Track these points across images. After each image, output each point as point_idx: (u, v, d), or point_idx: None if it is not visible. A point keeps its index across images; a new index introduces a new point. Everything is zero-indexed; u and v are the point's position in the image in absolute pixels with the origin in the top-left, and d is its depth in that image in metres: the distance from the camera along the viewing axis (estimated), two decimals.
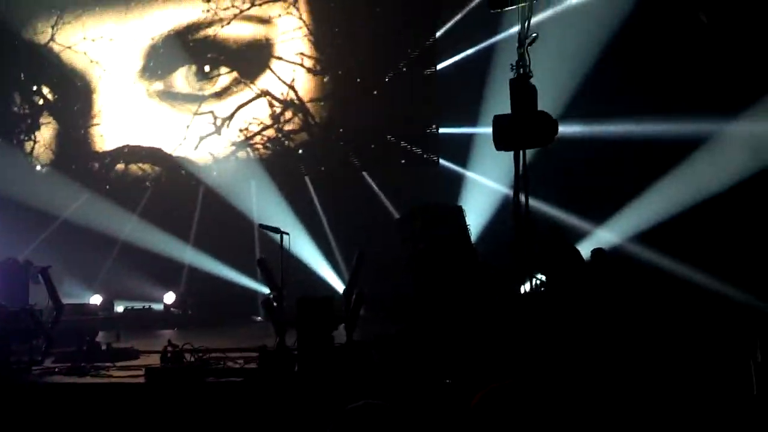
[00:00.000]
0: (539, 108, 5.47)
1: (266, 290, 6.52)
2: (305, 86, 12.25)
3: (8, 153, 12.48)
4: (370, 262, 6.46)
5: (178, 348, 5.74)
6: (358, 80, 11.86)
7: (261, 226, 7.10)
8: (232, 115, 12.38)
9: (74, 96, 12.77)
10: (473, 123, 10.03)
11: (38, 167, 12.81)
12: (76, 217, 11.54)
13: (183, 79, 12.44)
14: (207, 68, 12.42)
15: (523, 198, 5.34)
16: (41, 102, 13.10)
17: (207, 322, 9.89)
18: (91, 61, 12.66)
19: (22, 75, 13.07)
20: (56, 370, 6.36)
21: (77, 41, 12.62)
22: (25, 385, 6.04)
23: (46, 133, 12.99)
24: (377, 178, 11.43)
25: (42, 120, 13.00)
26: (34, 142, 12.95)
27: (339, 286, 9.81)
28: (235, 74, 12.34)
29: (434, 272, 6.49)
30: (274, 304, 6.09)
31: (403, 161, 11.45)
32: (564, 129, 6.17)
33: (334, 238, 10.93)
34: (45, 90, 13.07)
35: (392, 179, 11.16)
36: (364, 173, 11.64)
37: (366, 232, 9.63)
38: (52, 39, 12.69)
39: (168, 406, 5.29)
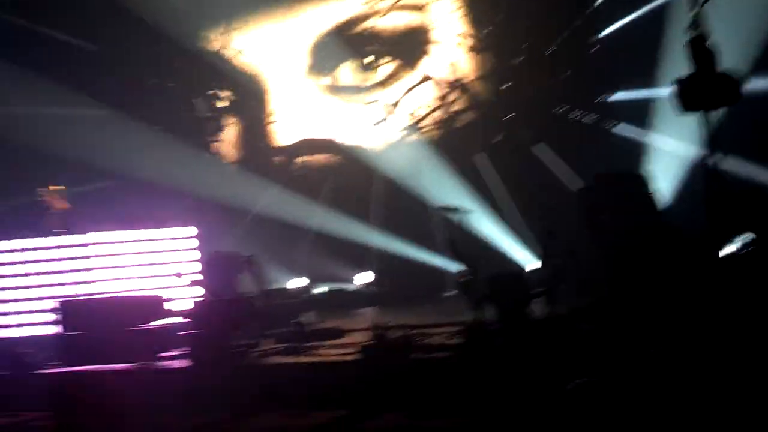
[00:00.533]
0: (722, 66, 5.35)
1: (458, 268, 6.72)
2: (468, 65, 12.43)
3: (198, 155, 13.56)
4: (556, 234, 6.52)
5: (384, 326, 6.10)
6: (523, 53, 11.84)
7: (441, 207, 7.32)
8: (399, 101, 12.78)
9: (251, 97, 13.66)
10: (647, 86, 9.76)
11: (225, 166, 13.84)
12: (266, 210, 12.39)
13: (348, 71, 12.98)
14: (370, 59, 12.89)
15: (714, 158, 5.24)
16: (221, 105, 14.11)
17: (401, 301, 10.28)
18: (262, 63, 13.49)
19: (200, 83, 14.06)
20: (272, 351, 6.97)
21: (247, 45, 13.46)
22: (246, 366, 6.66)
23: (229, 133, 14.00)
24: (552, 149, 11.38)
25: (224, 122, 14.02)
26: (220, 142, 13.99)
27: (525, 261, 9.92)
28: (397, 62, 12.73)
29: (622, 242, 6.45)
30: (468, 280, 6.31)
31: (577, 130, 11.35)
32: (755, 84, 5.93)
33: (517, 214, 11.02)
34: (224, 93, 14.05)
35: (568, 149, 11.09)
36: (539, 146, 11.62)
37: (547, 205, 9.66)
38: (223, 46, 13.61)
39: (378, 382, 5.65)
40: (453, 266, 8.27)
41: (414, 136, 12.73)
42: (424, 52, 12.69)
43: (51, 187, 9.27)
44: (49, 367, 7.15)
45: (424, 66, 12.66)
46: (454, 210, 6.83)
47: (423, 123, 12.73)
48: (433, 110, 12.69)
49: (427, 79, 12.67)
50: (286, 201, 12.35)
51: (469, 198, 10.70)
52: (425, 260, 11.25)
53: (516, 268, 7.40)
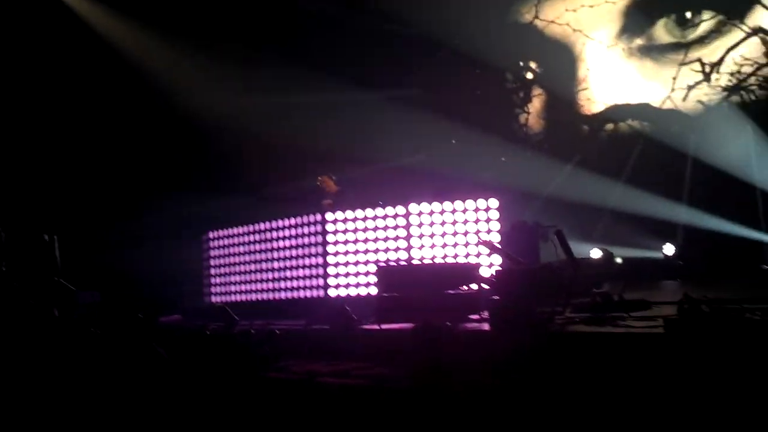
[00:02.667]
0: None
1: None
2: None
3: (505, 127, 13.85)
4: None
5: (694, 299, 5.76)
6: None
7: None
8: (722, 59, 11.78)
9: (560, 66, 13.56)
10: None
11: (531, 137, 13.95)
12: (569, 179, 12.28)
13: (664, 29, 12.26)
14: (688, 15, 12.03)
15: None
16: (530, 76, 14.21)
17: (711, 274, 9.62)
18: (574, 30, 13.29)
19: (510, 55, 14.25)
20: (576, 320, 6.96)
21: (559, 14, 13.35)
22: (550, 333, 6.74)
23: (537, 104, 14.07)
24: None
25: (533, 92, 14.10)
26: (527, 114, 14.12)
27: None
28: (719, 17, 11.71)
29: None
30: None
31: None
32: None
33: None
34: (532, 64, 14.13)
35: None
36: None
37: None
38: (536, 16, 13.64)
39: (688, 358, 5.38)
40: None
41: (737, 97, 11.65)
42: (752, 4, 11.52)
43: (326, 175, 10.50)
44: (371, 323, 7.97)
45: (752, 19, 11.50)
46: None
47: (748, 81, 11.59)
48: (761, 67, 11.49)
49: (755, 32, 11.49)
50: (590, 170, 12.08)
51: None
52: (740, 234, 10.30)
53: None
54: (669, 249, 10.58)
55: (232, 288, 10.91)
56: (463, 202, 8.95)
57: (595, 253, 10.05)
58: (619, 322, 6.54)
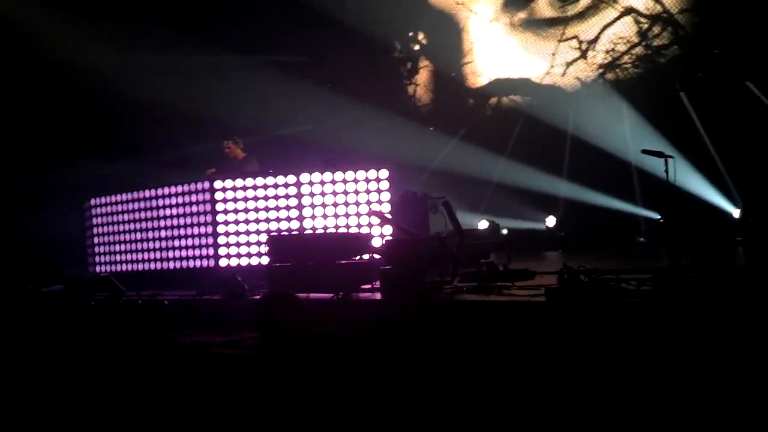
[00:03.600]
0: None
1: (652, 215, 6.53)
2: None
3: (393, 98, 13.98)
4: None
5: (573, 269, 6.11)
6: None
7: (644, 151, 7.07)
8: (597, 36, 12.32)
9: (446, 38, 13.79)
10: None
11: (418, 109, 14.17)
12: (456, 151, 12.60)
13: (546, 3, 12.67)
14: None
15: None
16: (417, 48, 14.38)
17: (589, 245, 10.17)
18: (458, 3, 13.51)
19: (397, 25, 14.32)
20: (464, 289, 7.22)
21: None
22: (439, 302, 6.96)
23: (424, 76, 14.27)
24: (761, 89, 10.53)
25: (420, 64, 14.29)
26: (416, 85, 14.31)
27: (730, 210, 9.38)
28: None
29: None
30: (666, 226, 6.13)
31: None
32: None
33: (720, 159, 10.39)
34: (420, 36, 14.29)
35: None
36: (749, 83, 10.79)
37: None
38: None
39: (567, 325, 5.72)
40: (646, 213, 8.06)
41: (612, 74, 12.25)
42: None
43: (231, 141, 10.39)
44: (260, 294, 7.96)
45: None
46: (657, 154, 6.59)
47: (622, 60, 12.19)
48: (634, 46, 12.11)
49: (628, 11, 12.08)
50: (476, 143, 12.44)
51: (669, 142, 10.20)
52: (616, 207, 10.95)
53: (719, 215, 6.95)
54: (551, 221, 11.08)
55: (118, 258, 10.56)
56: (354, 172, 9.02)
57: (482, 225, 10.37)
58: (505, 291, 6.84)
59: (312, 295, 7.51)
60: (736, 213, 8.82)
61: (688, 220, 5.87)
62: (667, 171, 6.36)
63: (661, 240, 6.13)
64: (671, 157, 6.44)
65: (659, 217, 6.24)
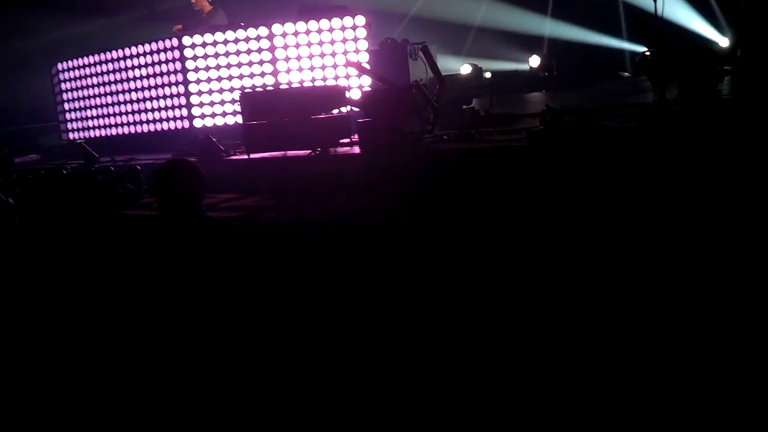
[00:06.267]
0: None
1: (640, 48, 6.21)
2: None
3: None
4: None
5: (556, 110, 5.87)
6: None
7: None
8: None
9: None
10: None
11: None
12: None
13: None
14: None
15: None
16: None
17: (574, 83, 9.84)
18: None
19: None
20: (444, 137, 6.99)
21: None
22: (421, 151, 6.76)
23: None
24: None
25: None
26: None
27: (718, 40, 8.97)
28: None
29: None
30: (652, 57, 5.84)
31: None
32: None
33: None
34: None
35: None
36: None
37: None
38: None
39: (548, 167, 5.53)
40: (632, 47, 7.69)
41: None
42: None
43: None
44: (238, 154, 7.74)
45: None
46: None
47: None
48: None
49: None
50: None
51: None
52: (602, 42, 10.50)
53: (706, 46, 6.57)
54: (534, 61, 10.66)
55: (91, 123, 10.24)
56: (329, 20, 8.53)
57: (465, 69, 9.96)
58: (486, 137, 6.62)
59: (289, 152, 7.34)
60: (724, 43, 8.42)
61: (675, 51, 5.56)
62: (655, 1, 5.97)
63: (647, 72, 5.83)
64: None
65: (646, 48, 5.92)
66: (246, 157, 7.51)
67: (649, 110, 5.37)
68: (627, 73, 9.77)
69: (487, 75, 10.19)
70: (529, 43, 11.19)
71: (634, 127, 5.51)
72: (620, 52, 10.25)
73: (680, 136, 4.96)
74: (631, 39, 9.82)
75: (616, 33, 10.33)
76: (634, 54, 9.79)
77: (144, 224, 6.47)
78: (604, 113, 6.14)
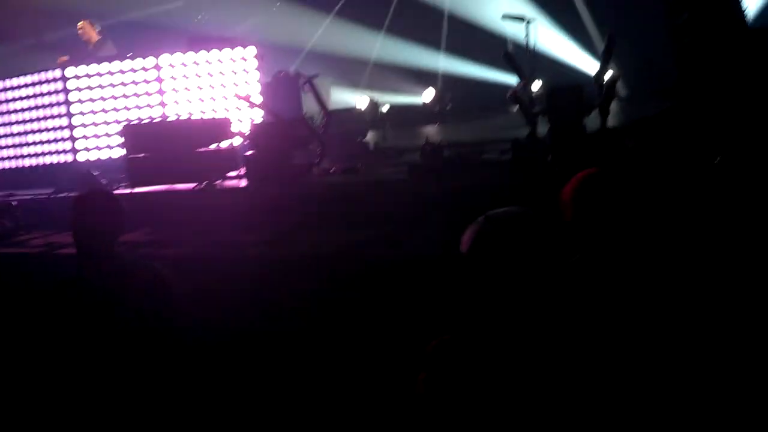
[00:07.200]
0: None
1: (514, 82, 6.37)
2: None
3: None
4: (627, 39, 6.00)
5: (436, 144, 5.94)
6: None
7: (504, 16, 6.82)
8: None
9: None
10: None
11: None
12: (333, 29, 12.02)
13: None
14: None
15: None
16: None
17: (468, 117, 10.01)
18: None
19: None
20: (332, 171, 6.96)
21: None
22: (307, 184, 6.71)
23: None
24: None
25: None
26: None
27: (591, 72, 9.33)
28: None
29: (700, 43, 5.87)
30: (522, 92, 5.99)
31: None
32: None
33: (587, 17, 10.18)
34: None
35: None
36: None
37: (623, 7, 8.83)
38: None
39: (425, 198, 5.53)
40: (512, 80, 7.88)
41: None
42: None
43: (86, 21, 9.59)
44: (120, 188, 7.49)
45: None
46: (518, 19, 6.35)
47: None
48: None
49: None
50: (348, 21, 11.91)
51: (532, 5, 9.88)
52: (492, 78, 10.76)
53: (573, 82, 6.82)
54: (428, 94, 10.81)
55: None
56: (219, 50, 8.43)
57: (361, 102, 10.02)
58: (372, 170, 6.63)
59: (174, 186, 7.15)
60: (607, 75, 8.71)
61: (546, 83, 5.72)
62: (527, 35, 6.14)
63: (519, 106, 5.96)
64: (532, 20, 6.20)
65: (518, 80, 6.06)
66: (128, 191, 7.26)
67: (522, 144, 5.47)
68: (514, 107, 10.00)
69: (385, 108, 10.28)
70: (426, 76, 11.36)
71: (510, 159, 5.60)
72: (510, 86, 10.51)
73: (549, 168, 5.07)
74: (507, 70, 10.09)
75: (505, 67, 10.59)
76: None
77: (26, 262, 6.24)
78: (483, 146, 6.26)
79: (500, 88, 10.64)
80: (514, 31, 7.95)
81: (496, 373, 1.87)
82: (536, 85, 7.38)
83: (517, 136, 5.74)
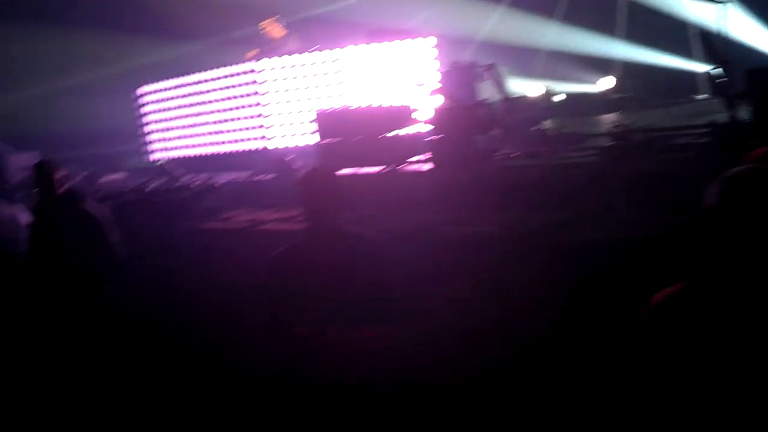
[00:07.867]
0: None
1: (708, 66, 6.14)
2: None
3: None
4: None
5: (627, 128, 5.88)
6: None
7: None
8: None
9: None
10: None
11: None
12: (504, 20, 12.04)
13: None
14: None
15: None
16: None
17: (646, 105, 9.71)
18: None
19: None
20: (513, 155, 7.06)
21: None
22: (490, 169, 6.83)
23: None
24: None
25: None
26: None
27: None
28: None
29: None
30: (721, 79, 5.80)
31: None
32: None
33: None
34: None
35: None
36: None
37: None
38: None
39: (619, 180, 5.48)
40: (705, 68, 7.55)
41: None
42: None
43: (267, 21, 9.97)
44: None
45: None
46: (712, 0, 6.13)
47: None
48: None
49: None
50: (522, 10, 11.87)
51: None
52: (674, 65, 10.37)
53: None
54: (607, 82, 10.59)
55: (170, 144, 10.66)
56: (401, 40, 8.73)
57: (536, 90, 9.96)
58: (555, 155, 6.65)
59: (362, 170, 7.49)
60: None
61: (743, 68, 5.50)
62: (721, 18, 5.92)
63: (716, 90, 5.76)
64: (722, 2, 5.96)
65: (713, 66, 5.86)
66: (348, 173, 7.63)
67: (719, 127, 5.30)
68: (699, 96, 9.59)
69: (561, 96, 10.15)
70: (603, 65, 11.13)
71: (707, 142, 5.45)
72: (692, 74, 10.10)
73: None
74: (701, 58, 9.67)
75: (687, 55, 10.21)
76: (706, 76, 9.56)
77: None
78: (673, 132, 6.11)
79: (683, 76, 10.30)
80: (697, 16, 7.62)
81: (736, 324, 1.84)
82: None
83: (714, 120, 5.56)
